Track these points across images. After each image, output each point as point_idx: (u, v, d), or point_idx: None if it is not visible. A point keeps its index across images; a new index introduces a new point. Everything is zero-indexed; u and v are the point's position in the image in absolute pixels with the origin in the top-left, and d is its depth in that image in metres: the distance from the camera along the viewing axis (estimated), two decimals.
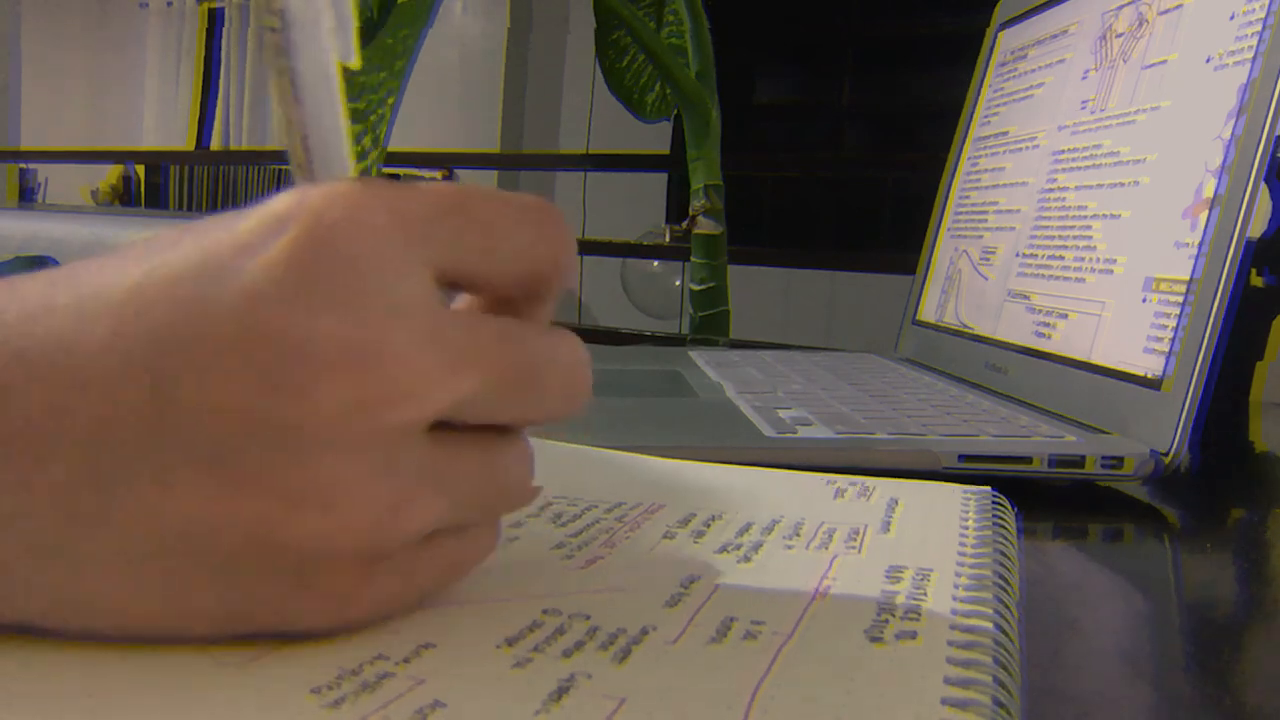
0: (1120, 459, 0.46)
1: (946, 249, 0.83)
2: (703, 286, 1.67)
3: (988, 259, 0.73)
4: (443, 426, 0.23)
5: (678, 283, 2.69)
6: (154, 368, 0.20)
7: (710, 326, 1.65)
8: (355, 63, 0.24)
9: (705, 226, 1.66)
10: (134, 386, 0.20)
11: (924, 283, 0.86)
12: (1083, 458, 0.46)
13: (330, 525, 0.21)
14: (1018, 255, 0.68)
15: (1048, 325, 0.61)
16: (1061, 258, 0.62)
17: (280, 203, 0.21)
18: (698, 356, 0.79)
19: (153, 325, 0.20)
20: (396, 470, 0.21)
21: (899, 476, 0.41)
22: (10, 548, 0.20)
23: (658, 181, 3.57)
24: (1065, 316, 0.59)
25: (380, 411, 0.21)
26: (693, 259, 1.68)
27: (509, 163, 3.81)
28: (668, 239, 2.80)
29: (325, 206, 0.21)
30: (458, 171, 3.78)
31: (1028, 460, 0.46)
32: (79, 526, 0.20)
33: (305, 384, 0.20)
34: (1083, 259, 0.59)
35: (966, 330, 0.73)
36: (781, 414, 0.53)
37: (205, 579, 0.21)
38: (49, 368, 0.20)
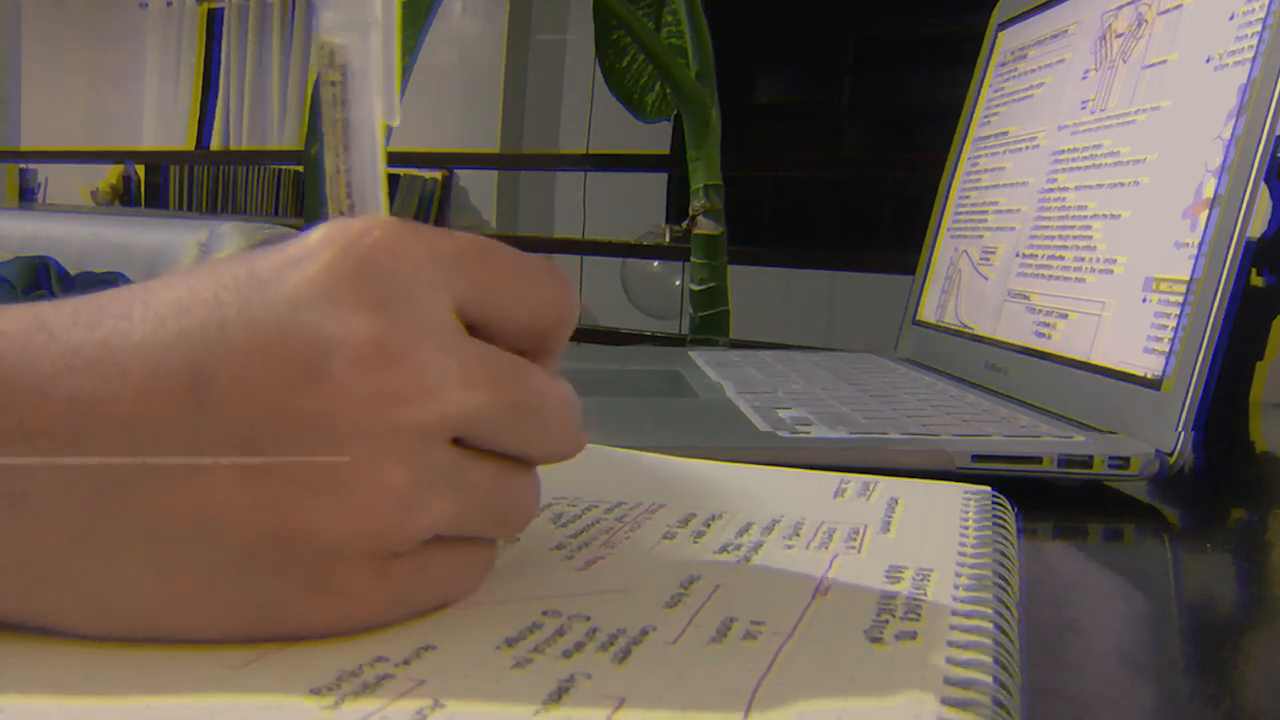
0: (1127, 459, 0.46)
1: (946, 249, 0.83)
2: (703, 286, 1.67)
3: (988, 259, 0.73)
4: (459, 444, 0.24)
5: (678, 283, 2.69)
6: (193, 359, 0.21)
7: (710, 326, 1.65)
8: (396, 121, 0.26)
9: (705, 226, 1.66)
10: (173, 376, 0.21)
11: (924, 283, 0.86)
12: (1091, 458, 0.46)
13: (348, 510, 0.22)
14: (1018, 255, 0.68)
15: (1048, 325, 0.61)
16: (1061, 258, 0.62)
17: (323, 229, 0.23)
18: (698, 356, 0.79)
19: (194, 323, 0.22)
20: (413, 463, 0.22)
21: (910, 476, 0.41)
22: (40, 536, 0.21)
23: (658, 181, 3.57)
24: (1065, 316, 0.59)
25: (402, 407, 0.22)
26: (693, 259, 1.68)
27: (509, 163, 3.81)
28: (668, 239, 2.80)
29: (366, 229, 0.23)
30: (458, 171, 3.78)
31: (1038, 460, 0.46)
32: (108, 513, 0.21)
33: (335, 376, 0.22)
34: (1083, 259, 0.59)
35: (966, 330, 0.73)
36: (782, 414, 0.53)
37: (225, 571, 0.22)
38: (93, 359, 0.21)
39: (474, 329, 0.25)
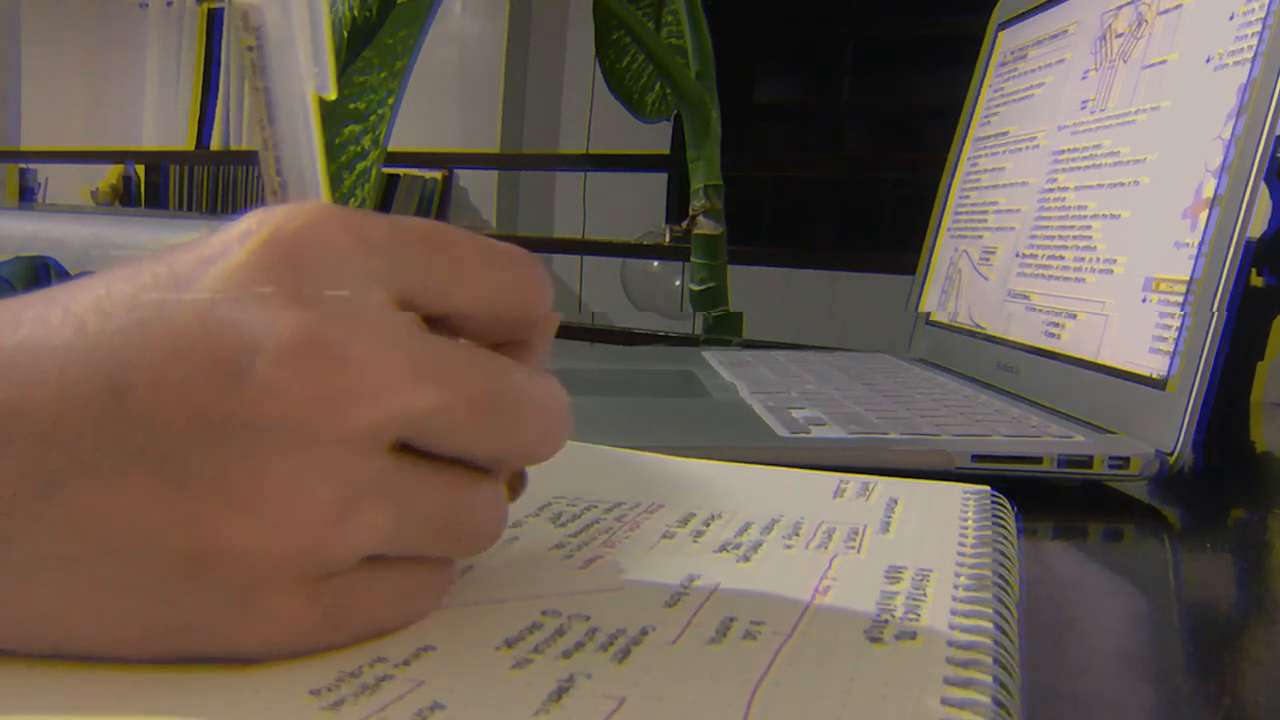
0: (1126, 459, 0.46)
1: (946, 249, 0.83)
2: (703, 287, 1.67)
3: (987, 259, 0.73)
4: (409, 450, 0.22)
5: (678, 283, 2.69)
6: (111, 367, 0.20)
7: (720, 327, 1.65)
8: (331, 94, 0.24)
9: (705, 226, 1.66)
10: (90, 384, 0.20)
11: (924, 283, 0.85)
12: (1090, 458, 0.46)
13: (269, 527, 0.20)
14: (1017, 255, 0.68)
15: (1056, 325, 0.61)
16: (1061, 258, 0.62)
17: (244, 221, 0.22)
18: (711, 356, 0.79)
19: (113, 328, 0.20)
20: (346, 476, 0.21)
21: (911, 476, 0.41)
22: None
23: (658, 181, 3.56)
24: (1074, 317, 0.59)
25: (339, 410, 0.20)
26: (693, 259, 1.68)
27: (509, 163, 3.81)
28: (668, 239, 2.80)
29: (285, 220, 0.21)
30: (458, 171, 3.78)
31: (1038, 460, 0.46)
32: (18, 527, 0.20)
33: (258, 379, 0.20)
34: (1083, 259, 0.59)
35: (977, 330, 0.73)
36: (795, 414, 0.53)
37: (142, 591, 0.20)
38: (7, 366, 0.20)
39: (434, 323, 0.23)
